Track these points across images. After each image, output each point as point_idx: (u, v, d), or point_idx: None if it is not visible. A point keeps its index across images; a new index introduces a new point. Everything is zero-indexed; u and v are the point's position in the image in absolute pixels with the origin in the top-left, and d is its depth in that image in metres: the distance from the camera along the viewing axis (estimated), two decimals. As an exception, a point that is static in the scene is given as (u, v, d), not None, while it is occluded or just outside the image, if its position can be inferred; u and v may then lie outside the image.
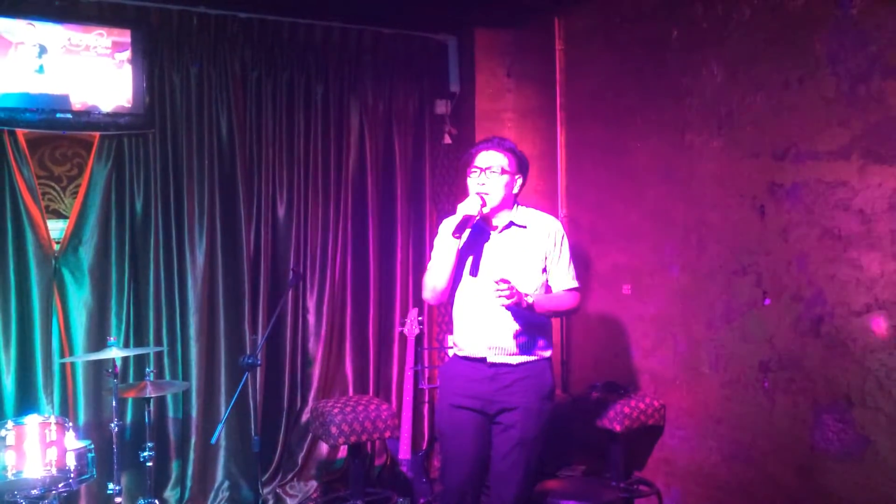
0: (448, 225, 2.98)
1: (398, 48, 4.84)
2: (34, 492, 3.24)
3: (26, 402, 3.92)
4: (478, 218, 2.89)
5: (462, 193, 3.06)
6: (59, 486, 3.27)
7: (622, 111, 4.12)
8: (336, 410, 3.83)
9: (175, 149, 4.27)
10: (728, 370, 3.53)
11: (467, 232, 2.93)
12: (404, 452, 4.20)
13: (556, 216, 4.56)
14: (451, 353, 3.12)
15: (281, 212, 4.57)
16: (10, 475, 3.17)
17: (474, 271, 2.96)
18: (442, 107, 4.99)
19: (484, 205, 2.89)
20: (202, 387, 4.30)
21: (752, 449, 3.40)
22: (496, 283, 2.74)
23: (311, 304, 4.64)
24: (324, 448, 4.57)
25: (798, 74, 3.16)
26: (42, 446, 3.24)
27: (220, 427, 3.35)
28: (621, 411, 3.67)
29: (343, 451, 4.58)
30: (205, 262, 4.31)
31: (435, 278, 2.94)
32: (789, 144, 3.21)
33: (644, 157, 3.98)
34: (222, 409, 4.33)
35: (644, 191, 3.99)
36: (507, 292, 2.72)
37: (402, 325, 4.49)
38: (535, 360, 2.94)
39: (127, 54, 4.04)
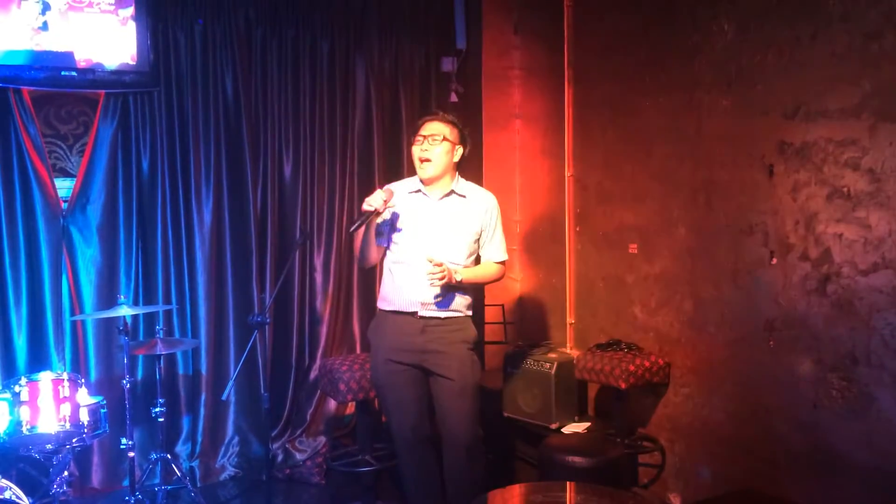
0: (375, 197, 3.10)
1: (404, 4, 4.78)
2: (49, 446, 3.31)
3: (38, 360, 3.98)
4: (381, 212, 3.05)
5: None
6: (73, 440, 3.34)
7: (631, 69, 4.07)
8: (344, 368, 3.87)
9: (180, 107, 4.25)
10: (733, 329, 3.55)
11: (365, 224, 3.07)
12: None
13: (563, 175, 4.57)
14: (380, 306, 3.30)
15: (287, 171, 4.56)
16: (24, 430, 3.23)
17: (413, 234, 3.17)
18: (448, 64, 4.95)
19: (388, 200, 3.05)
20: (211, 344, 4.35)
21: (756, 407, 3.43)
22: (430, 263, 2.99)
23: (318, 262, 4.66)
24: (332, 404, 4.63)
25: (810, 31, 3.12)
26: (56, 402, 3.29)
27: (230, 384, 3.41)
28: (626, 369, 3.70)
29: (351, 408, 4.65)
30: (212, 220, 4.33)
31: (360, 256, 3.23)
32: (799, 103, 3.18)
33: (652, 116, 3.95)
34: (231, 366, 4.38)
35: (652, 150, 3.97)
36: (440, 275, 2.99)
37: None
38: (462, 316, 3.23)
39: (130, 10, 4.00)
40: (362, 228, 3.09)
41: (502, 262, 3.35)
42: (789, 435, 3.28)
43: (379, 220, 3.14)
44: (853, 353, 3.01)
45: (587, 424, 4.09)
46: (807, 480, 3.20)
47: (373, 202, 3.03)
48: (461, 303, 3.23)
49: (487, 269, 3.32)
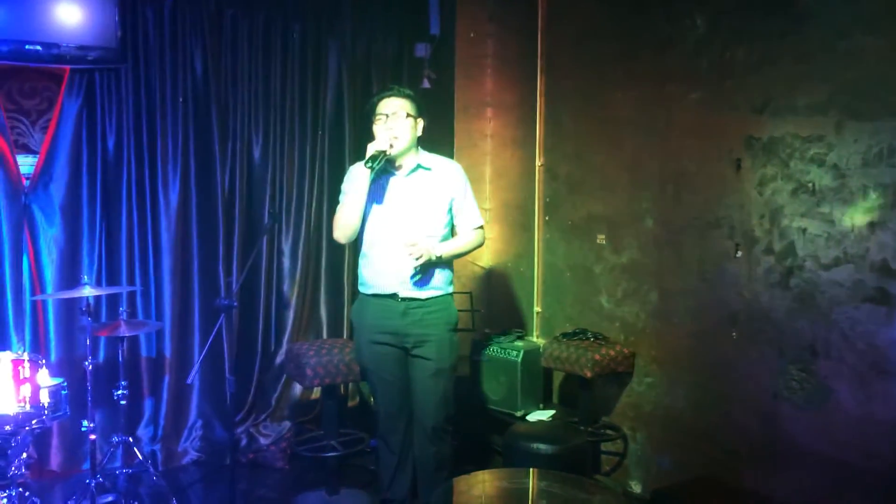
0: (358, 168, 3.17)
1: (378, -12, 4.74)
2: (7, 428, 3.23)
3: (-3, 340, 3.90)
4: (389, 153, 3.05)
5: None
6: (33, 422, 3.26)
7: (604, 60, 4.09)
8: (311, 353, 3.86)
9: (148, 86, 4.18)
10: (698, 320, 3.60)
11: (379, 167, 3.06)
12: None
13: (534, 165, 4.58)
14: (361, 290, 3.30)
15: (256, 153, 4.51)
16: (-18, 411, 3.16)
17: (385, 212, 3.16)
18: (422, 50, 4.92)
19: (393, 146, 3.06)
20: (176, 327, 4.30)
21: (717, 397, 3.49)
22: (407, 245, 3.01)
23: (286, 247, 4.63)
24: (297, 389, 4.61)
25: (780, 28, 3.16)
26: (15, 383, 3.22)
27: (195, 368, 3.37)
28: (592, 358, 3.73)
29: (317, 393, 4.64)
30: (178, 202, 4.26)
31: (347, 216, 3.14)
32: (768, 98, 3.22)
33: (624, 108, 3.97)
34: (196, 349, 4.34)
35: (622, 142, 3.99)
36: (419, 254, 3.02)
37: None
38: (441, 295, 3.22)
39: (98, -15, 3.91)
40: (363, 191, 3.07)
41: (480, 227, 3.33)
42: (749, 425, 3.34)
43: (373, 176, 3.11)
44: (813, 345, 3.07)
45: (552, 412, 4.13)
46: (766, 469, 3.27)
47: (380, 145, 3.03)
48: (441, 280, 3.22)
49: (467, 238, 3.30)
